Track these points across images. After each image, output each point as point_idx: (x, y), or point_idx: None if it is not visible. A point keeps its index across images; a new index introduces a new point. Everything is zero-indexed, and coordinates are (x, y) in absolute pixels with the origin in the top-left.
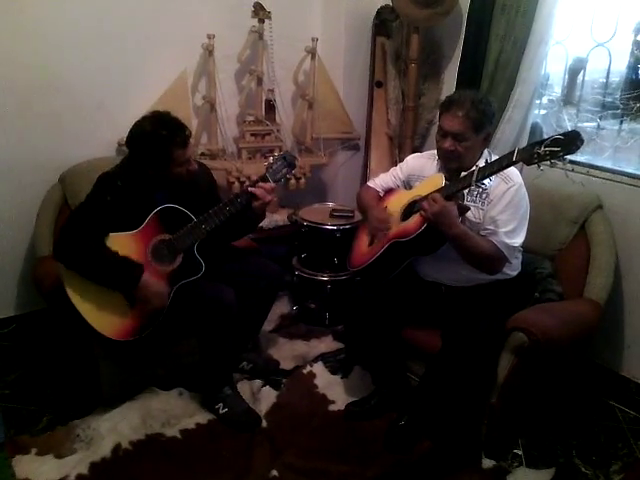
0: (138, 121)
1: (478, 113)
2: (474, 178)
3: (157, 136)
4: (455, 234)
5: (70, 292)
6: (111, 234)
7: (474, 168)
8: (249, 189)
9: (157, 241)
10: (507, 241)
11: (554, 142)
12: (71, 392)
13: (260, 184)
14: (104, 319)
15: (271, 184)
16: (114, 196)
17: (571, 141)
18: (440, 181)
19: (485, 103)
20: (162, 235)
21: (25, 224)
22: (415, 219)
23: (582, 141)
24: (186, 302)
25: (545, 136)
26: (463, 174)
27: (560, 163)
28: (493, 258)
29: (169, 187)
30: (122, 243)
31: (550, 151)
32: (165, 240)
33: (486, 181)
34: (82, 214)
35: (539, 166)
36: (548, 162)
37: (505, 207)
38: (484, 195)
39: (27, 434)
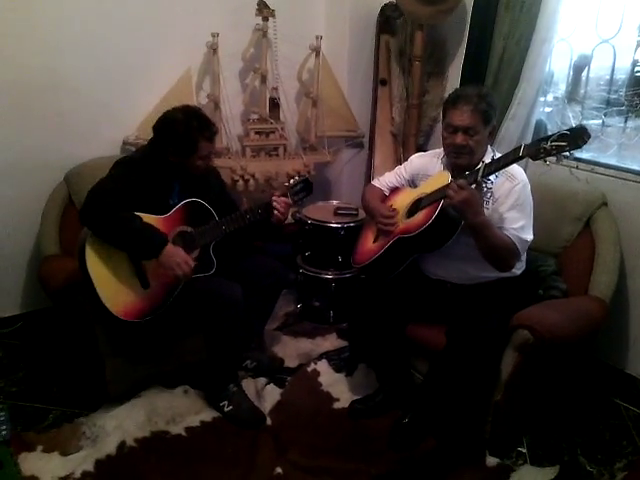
0: (169, 110)
1: (486, 105)
2: (480, 174)
3: (188, 125)
4: (480, 222)
5: (90, 264)
6: (137, 213)
7: (480, 164)
8: (272, 200)
9: (179, 231)
10: (520, 235)
11: (560, 137)
12: (77, 390)
13: (282, 199)
14: (116, 296)
15: (289, 201)
16: (134, 176)
17: (578, 136)
18: (446, 178)
19: (490, 95)
20: (185, 227)
21: (30, 223)
22: (420, 216)
23: (589, 136)
24: (193, 298)
25: (550, 133)
26: (467, 172)
27: (566, 159)
28: (509, 250)
29: (182, 178)
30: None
31: (556, 146)
32: (187, 232)
33: (492, 177)
34: (109, 183)
35: (545, 161)
36: (554, 157)
37: (512, 205)
38: (489, 194)
39: (33, 431)
